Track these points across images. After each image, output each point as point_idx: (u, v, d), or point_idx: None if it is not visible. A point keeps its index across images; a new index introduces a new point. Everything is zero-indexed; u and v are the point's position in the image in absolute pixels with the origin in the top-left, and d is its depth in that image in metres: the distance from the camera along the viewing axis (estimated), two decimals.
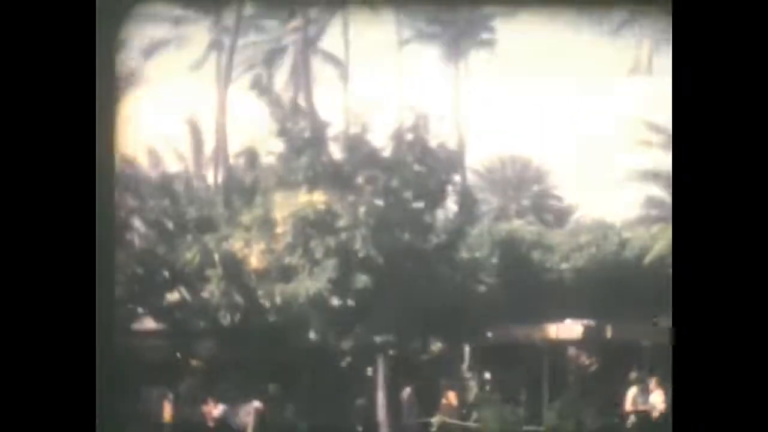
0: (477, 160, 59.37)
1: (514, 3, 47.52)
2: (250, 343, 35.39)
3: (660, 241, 38.03)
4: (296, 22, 54.50)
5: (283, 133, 37.86)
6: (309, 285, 34.94)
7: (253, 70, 54.51)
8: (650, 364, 35.37)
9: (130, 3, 15.13)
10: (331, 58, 56.18)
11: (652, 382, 34.48)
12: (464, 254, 37.81)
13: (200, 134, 54.07)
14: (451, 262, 36.91)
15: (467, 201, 40.69)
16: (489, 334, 37.00)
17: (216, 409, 35.22)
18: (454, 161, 40.38)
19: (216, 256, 36.25)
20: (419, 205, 37.49)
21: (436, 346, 38.53)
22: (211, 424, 35.14)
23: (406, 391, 36.22)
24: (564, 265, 39.54)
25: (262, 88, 40.74)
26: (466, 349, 38.39)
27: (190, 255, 36.76)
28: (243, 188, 39.26)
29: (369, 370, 36.93)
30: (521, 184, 59.53)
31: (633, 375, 35.74)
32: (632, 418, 34.73)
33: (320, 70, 56.00)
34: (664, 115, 39.73)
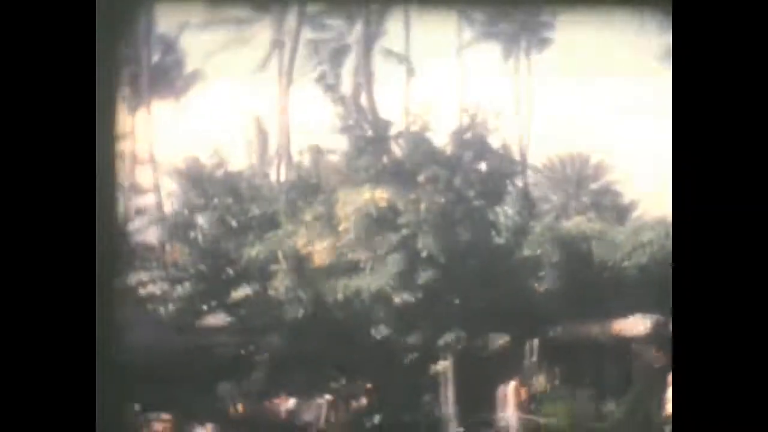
0: (537, 157, 59.35)
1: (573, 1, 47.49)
2: (317, 339, 35.77)
3: None
4: (359, 21, 54.81)
5: (345, 131, 38.24)
6: (372, 281, 35.31)
7: (316, 69, 54.82)
8: None
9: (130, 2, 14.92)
10: (393, 56, 56.39)
11: None
12: (526, 251, 37.96)
13: (264, 133, 54.42)
14: (513, 260, 37.10)
15: (528, 198, 40.88)
16: (554, 330, 37.12)
17: (287, 403, 35.68)
18: (514, 159, 40.61)
19: (280, 253, 36.68)
20: (480, 202, 37.73)
21: (503, 340, 38.62)
22: (282, 418, 35.55)
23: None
24: (626, 263, 39.57)
25: (326, 86, 41.18)
26: (533, 343, 38.47)
27: (255, 252, 37.22)
28: (306, 186, 39.64)
29: (435, 366, 37.12)
30: (581, 181, 59.45)
31: None
32: None
33: (382, 68, 56.24)
34: None
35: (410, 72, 55.17)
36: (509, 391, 36.71)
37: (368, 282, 35.43)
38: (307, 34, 55.06)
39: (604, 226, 44.64)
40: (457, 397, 36.26)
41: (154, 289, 39.27)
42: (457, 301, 35.23)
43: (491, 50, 57.97)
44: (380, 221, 36.03)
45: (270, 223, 38.62)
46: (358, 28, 55.53)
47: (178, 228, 40.19)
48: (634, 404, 35.21)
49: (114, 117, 13.73)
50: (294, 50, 53.97)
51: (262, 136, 54.75)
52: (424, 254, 35.35)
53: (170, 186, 42.70)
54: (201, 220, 40.39)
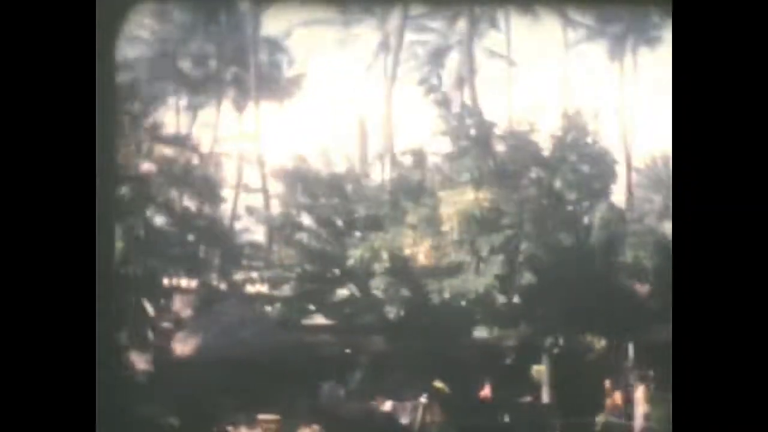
0: (640, 158, 59.07)
1: None
2: (418, 339, 36.17)
3: None
4: (462, 22, 55.01)
5: (449, 132, 38.47)
6: (475, 282, 35.48)
7: (420, 70, 55.16)
8: None
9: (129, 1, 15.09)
10: (496, 57, 56.47)
11: None
12: (627, 253, 37.89)
13: (368, 134, 54.84)
14: (613, 262, 37.10)
15: (630, 200, 40.75)
16: (652, 334, 36.96)
17: (384, 405, 36.23)
18: (617, 161, 40.45)
19: (384, 254, 37.04)
20: (583, 204, 37.75)
21: (600, 344, 38.59)
22: (380, 418, 35.85)
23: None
24: None
25: (429, 87, 41.43)
26: (631, 347, 38.40)
27: (359, 252, 37.64)
28: (410, 186, 39.98)
29: (533, 368, 37.29)
30: None
31: None
32: None
33: (485, 69, 56.35)
34: None
35: (511, 73, 55.26)
36: (606, 394, 36.73)
37: (472, 282, 35.59)
38: (410, 35, 55.39)
39: None
40: (554, 399, 36.35)
41: (261, 287, 39.95)
42: (557, 303, 35.27)
43: (596, 50, 57.82)
44: (483, 222, 36.21)
45: (374, 223, 38.98)
46: (461, 28, 55.73)
47: (285, 228, 40.78)
48: None
49: (113, 117, 14.18)
50: (398, 52, 54.36)
51: (367, 137, 55.23)
52: (525, 256, 35.47)
53: (277, 186, 43.18)
54: (307, 220, 40.92)
